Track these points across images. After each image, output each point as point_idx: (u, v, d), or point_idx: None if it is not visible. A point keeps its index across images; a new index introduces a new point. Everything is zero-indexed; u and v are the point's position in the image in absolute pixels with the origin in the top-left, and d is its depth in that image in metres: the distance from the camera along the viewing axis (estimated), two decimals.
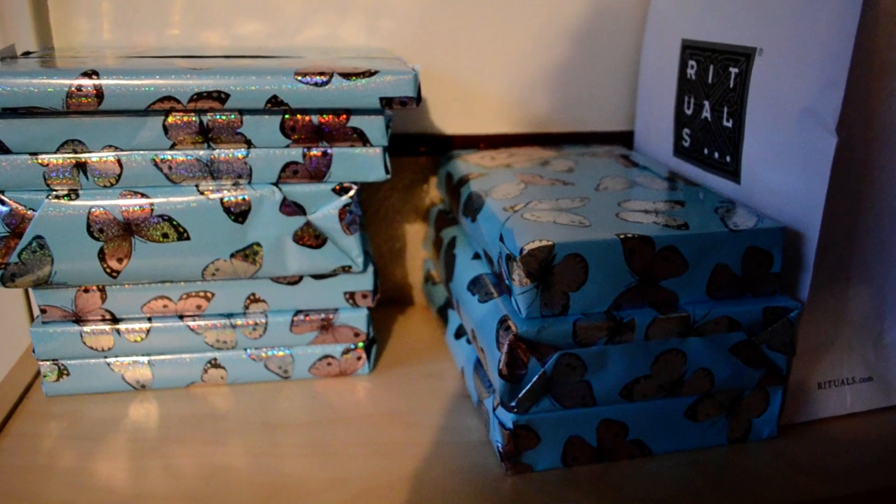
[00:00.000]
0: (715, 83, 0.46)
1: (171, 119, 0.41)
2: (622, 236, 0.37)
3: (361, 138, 0.42)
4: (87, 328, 0.45)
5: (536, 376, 0.38)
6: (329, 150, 0.43)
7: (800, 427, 0.44)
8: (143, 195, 0.42)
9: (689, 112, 0.50)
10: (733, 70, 0.45)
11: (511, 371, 0.37)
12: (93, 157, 0.41)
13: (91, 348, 0.45)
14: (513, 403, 0.38)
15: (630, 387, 0.39)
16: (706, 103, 0.47)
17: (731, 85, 0.45)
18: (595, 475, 0.40)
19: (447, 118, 0.57)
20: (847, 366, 0.44)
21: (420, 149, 0.56)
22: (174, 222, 0.42)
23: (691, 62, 0.49)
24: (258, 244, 0.43)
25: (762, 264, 0.40)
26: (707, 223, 0.40)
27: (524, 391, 0.38)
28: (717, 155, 0.47)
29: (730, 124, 0.45)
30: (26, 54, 0.46)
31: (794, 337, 0.40)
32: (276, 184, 0.43)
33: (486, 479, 0.39)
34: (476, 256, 0.46)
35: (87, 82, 0.38)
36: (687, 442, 0.42)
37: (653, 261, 0.38)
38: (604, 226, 0.39)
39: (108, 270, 0.42)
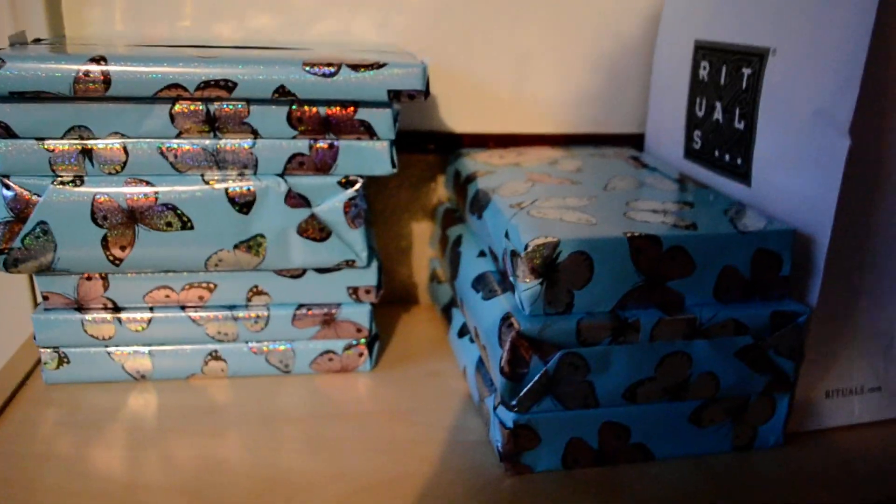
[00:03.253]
0: (727, 84, 0.46)
1: (177, 107, 0.40)
2: (629, 235, 0.37)
3: (368, 131, 0.42)
4: (88, 316, 0.44)
5: (538, 375, 0.37)
6: (336, 143, 0.42)
7: (806, 435, 0.43)
8: (147, 183, 0.42)
9: (700, 114, 0.49)
10: (746, 71, 0.44)
11: (513, 369, 0.37)
12: (99, 144, 0.41)
13: (92, 336, 0.45)
14: (513, 402, 0.38)
15: (633, 389, 0.38)
16: (718, 105, 0.47)
17: (744, 86, 0.44)
18: (596, 478, 0.39)
19: (457, 116, 0.56)
20: (856, 375, 0.43)
21: (429, 146, 0.56)
22: (178, 211, 0.42)
23: (704, 63, 0.48)
24: (262, 235, 0.43)
25: (771, 267, 0.39)
26: (716, 224, 0.39)
27: (525, 390, 0.37)
28: (727, 157, 0.46)
29: (741, 126, 0.45)
30: (37, 41, 0.46)
31: (803, 343, 0.40)
32: (281, 175, 0.43)
33: (484, 480, 0.39)
34: (481, 254, 0.46)
35: (94, 68, 0.38)
36: (690, 447, 0.41)
37: (660, 261, 0.37)
38: (611, 224, 0.38)
39: (111, 258, 0.42)
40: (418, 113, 0.55)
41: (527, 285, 0.36)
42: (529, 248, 0.36)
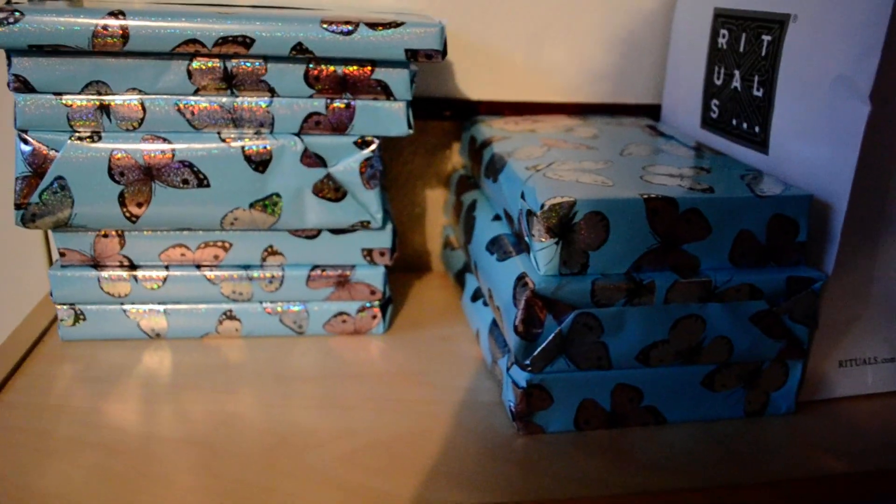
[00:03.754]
0: (746, 52, 0.45)
1: (195, 64, 0.40)
2: (645, 196, 0.37)
3: (385, 91, 0.42)
4: (104, 273, 0.45)
5: (552, 335, 0.37)
6: (352, 103, 0.42)
7: (818, 404, 0.43)
8: (164, 140, 0.42)
9: (718, 82, 0.49)
10: (766, 38, 0.44)
11: (527, 328, 0.37)
12: (116, 100, 0.41)
13: (108, 294, 0.45)
14: (527, 362, 0.38)
15: (647, 351, 0.38)
16: (736, 73, 0.47)
17: (763, 53, 0.44)
18: (607, 440, 0.39)
19: (473, 84, 0.56)
20: (869, 345, 0.43)
21: (445, 113, 0.56)
22: (195, 169, 0.42)
23: (723, 31, 0.48)
24: (278, 195, 0.43)
25: (787, 233, 0.39)
26: (733, 188, 0.39)
27: (539, 349, 0.37)
28: (745, 125, 0.46)
29: (760, 94, 0.44)
30: None
31: (817, 309, 0.40)
32: (297, 134, 0.43)
33: (496, 439, 0.39)
34: (496, 218, 0.46)
35: (113, 22, 0.38)
36: (702, 412, 0.41)
37: (675, 223, 0.37)
38: (627, 186, 0.38)
39: (128, 215, 0.42)
40: (434, 79, 0.55)
41: (542, 245, 0.36)
42: (545, 208, 0.36)
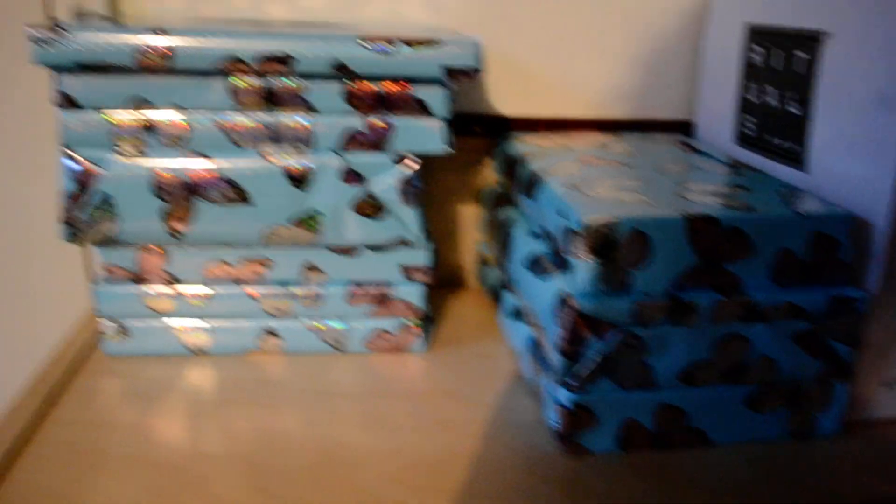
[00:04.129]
0: (782, 69, 0.46)
1: (237, 82, 0.41)
2: (687, 215, 0.37)
3: (423, 109, 0.42)
4: (148, 289, 0.45)
5: (596, 354, 0.37)
6: (391, 120, 0.43)
7: (863, 424, 0.42)
8: (207, 157, 0.42)
9: (752, 99, 0.49)
10: (802, 55, 0.44)
11: (570, 347, 0.37)
12: (160, 117, 0.41)
13: (151, 309, 0.45)
14: (571, 381, 0.38)
15: (690, 371, 0.38)
16: (772, 89, 0.47)
17: (800, 70, 0.44)
18: (651, 460, 0.39)
19: (505, 100, 0.56)
20: None
21: (475, 129, 0.56)
22: (236, 185, 0.42)
23: (757, 47, 0.48)
24: (318, 212, 0.43)
25: (830, 252, 0.39)
26: (774, 207, 0.39)
27: (583, 369, 0.37)
28: (782, 142, 0.46)
29: (797, 111, 0.44)
30: (96, 15, 0.47)
31: (861, 329, 0.39)
32: (337, 152, 0.43)
33: (539, 459, 0.39)
34: (534, 235, 0.46)
35: (158, 41, 0.39)
36: (747, 433, 0.41)
37: (717, 242, 0.37)
38: (668, 205, 0.38)
39: (170, 231, 0.43)
40: (466, 95, 0.56)
41: (584, 264, 0.36)
42: (588, 227, 0.36)
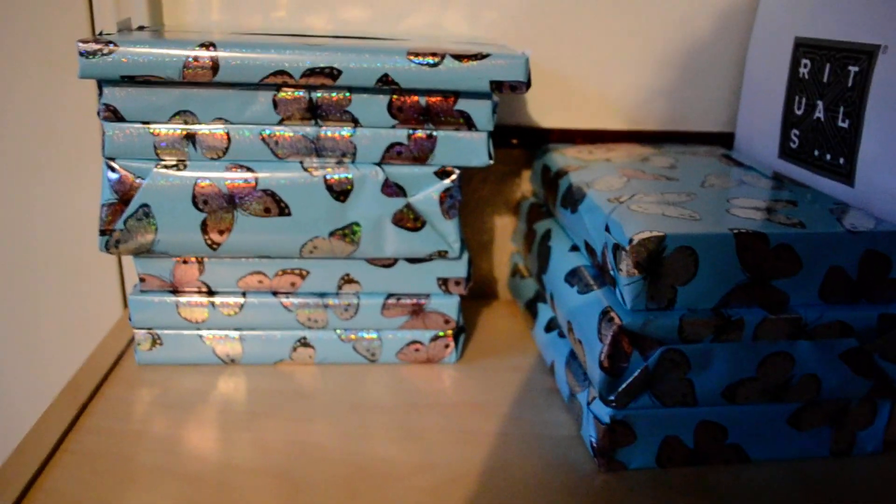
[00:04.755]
0: (831, 82, 0.45)
1: (281, 94, 0.41)
2: (736, 231, 0.36)
3: (467, 122, 0.42)
4: (182, 299, 0.45)
5: (638, 371, 0.36)
6: (434, 133, 0.42)
7: None
8: (248, 169, 0.42)
9: (799, 112, 0.48)
10: (853, 68, 0.43)
11: (613, 363, 0.36)
12: (203, 129, 0.41)
13: (185, 319, 0.45)
14: (612, 397, 0.37)
15: (734, 388, 0.38)
16: (819, 103, 0.46)
17: (850, 84, 0.43)
18: (690, 477, 0.39)
19: (543, 111, 0.56)
20: None
21: (513, 141, 0.56)
22: (277, 197, 0.42)
23: (804, 60, 0.47)
24: (357, 224, 0.43)
25: (879, 269, 0.38)
26: (824, 223, 0.38)
27: (624, 385, 0.37)
28: (829, 157, 0.45)
29: (846, 125, 0.44)
30: (140, 28, 0.47)
31: None
32: (379, 164, 0.43)
33: (576, 475, 0.38)
34: (574, 248, 0.45)
35: (204, 54, 0.39)
36: (787, 451, 0.40)
37: (766, 258, 0.37)
38: (715, 220, 0.38)
39: (209, 242, 0.43)
40: (504, 107, 0.55)
41: (630, 279, 0.36)
42: (634, 243, 0.35)
